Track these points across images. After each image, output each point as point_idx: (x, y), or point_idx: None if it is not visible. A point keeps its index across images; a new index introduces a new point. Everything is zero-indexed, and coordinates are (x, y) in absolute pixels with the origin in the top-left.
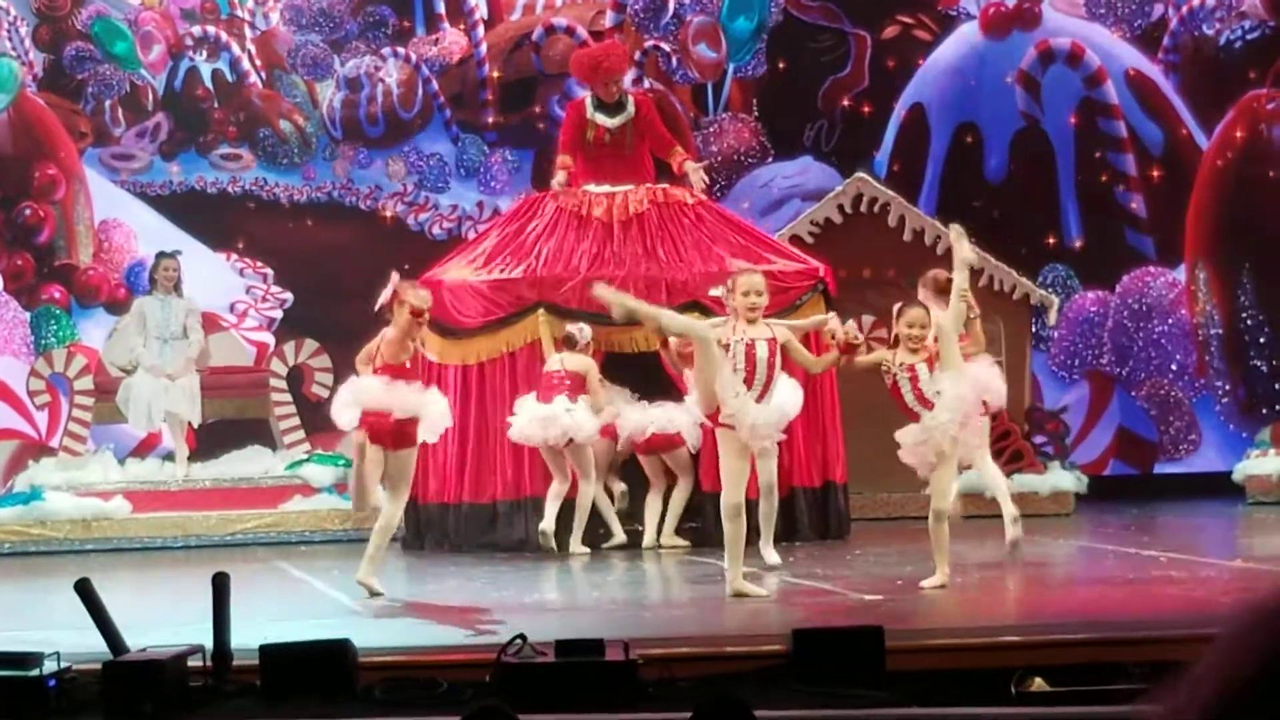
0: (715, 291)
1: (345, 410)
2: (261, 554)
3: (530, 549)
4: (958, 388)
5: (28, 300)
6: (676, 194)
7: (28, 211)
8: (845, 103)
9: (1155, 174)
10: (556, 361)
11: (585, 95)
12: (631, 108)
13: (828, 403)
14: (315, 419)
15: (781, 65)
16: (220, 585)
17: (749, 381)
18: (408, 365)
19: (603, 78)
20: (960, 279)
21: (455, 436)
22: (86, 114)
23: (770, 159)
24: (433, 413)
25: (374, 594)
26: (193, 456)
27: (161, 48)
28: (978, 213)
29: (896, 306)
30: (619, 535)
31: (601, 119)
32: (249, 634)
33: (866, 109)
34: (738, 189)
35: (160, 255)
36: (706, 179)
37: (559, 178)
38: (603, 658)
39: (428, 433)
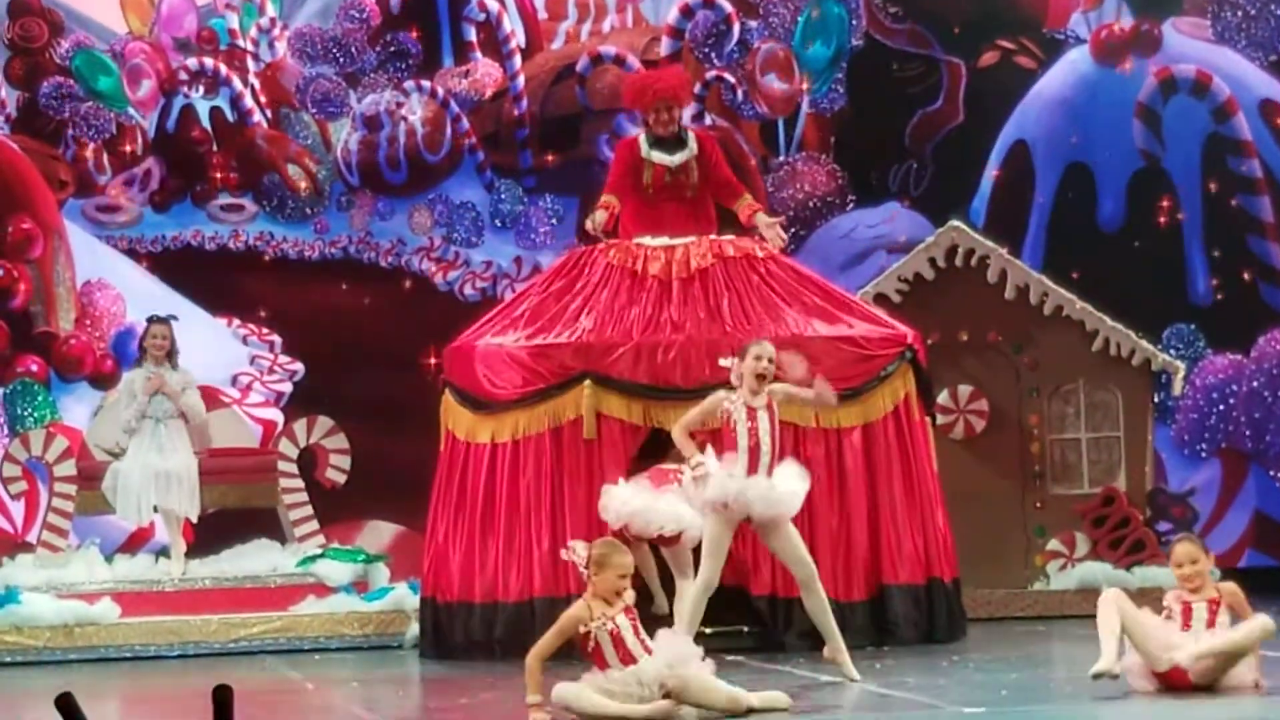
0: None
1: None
2: (270, 663)
3: (575, 655)
4: None
5: (1, 374)
6: (744, 246)
7: (0, 272)
8: (937, 140)
9: None
10: None
11: (639, 133)
12: (694, 144)
13: (928, 486)
14: (330, 508)
15: (863, 98)
16: (222, 700)
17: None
18: None
19: (653, 101)
20: None
21: (481, 524)
22: (66, 160)
23: (851, 206)
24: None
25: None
26: (190, 552)
27: (152, 83)
28: (1089, 266)
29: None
30: None
31: (660, 156)
32: None
33: (961, 147)
34: (814, 241)
35: (152, 321)
36: (785, 237)
37: (597, 217)
38: None
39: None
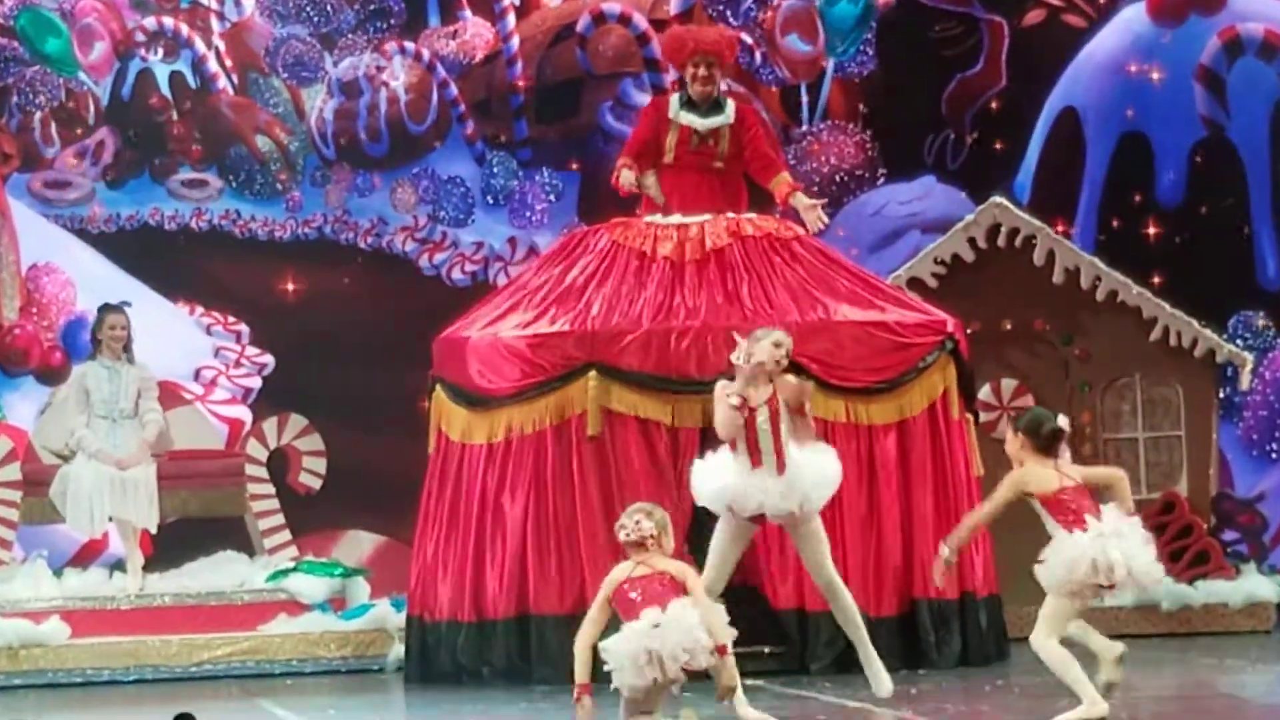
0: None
1: None
2: (237, 689)
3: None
4: None
5: None
6: (765, 225)
7: None
8: (977, 108)
9: None
10: None
11: (672, 95)
12: (731, 112)
13: (964, 493)
14: (304, 516)
15: (895, 61)
16: None
17: None
18: None
19: (692, 54)
20: None
21: (474, 533)
22: (10, 130)
23: (882, 180)
24: None
25: None
26: (148, 565)
27: (105, 45)
28: (1146, 246)
29: None
30: None
31: (689, 118)
32: None
33: (1004, 116)
34: (841, 219)
35: (105, 309)
36: (826, 220)
37: (625, 175)
38: None
39: None
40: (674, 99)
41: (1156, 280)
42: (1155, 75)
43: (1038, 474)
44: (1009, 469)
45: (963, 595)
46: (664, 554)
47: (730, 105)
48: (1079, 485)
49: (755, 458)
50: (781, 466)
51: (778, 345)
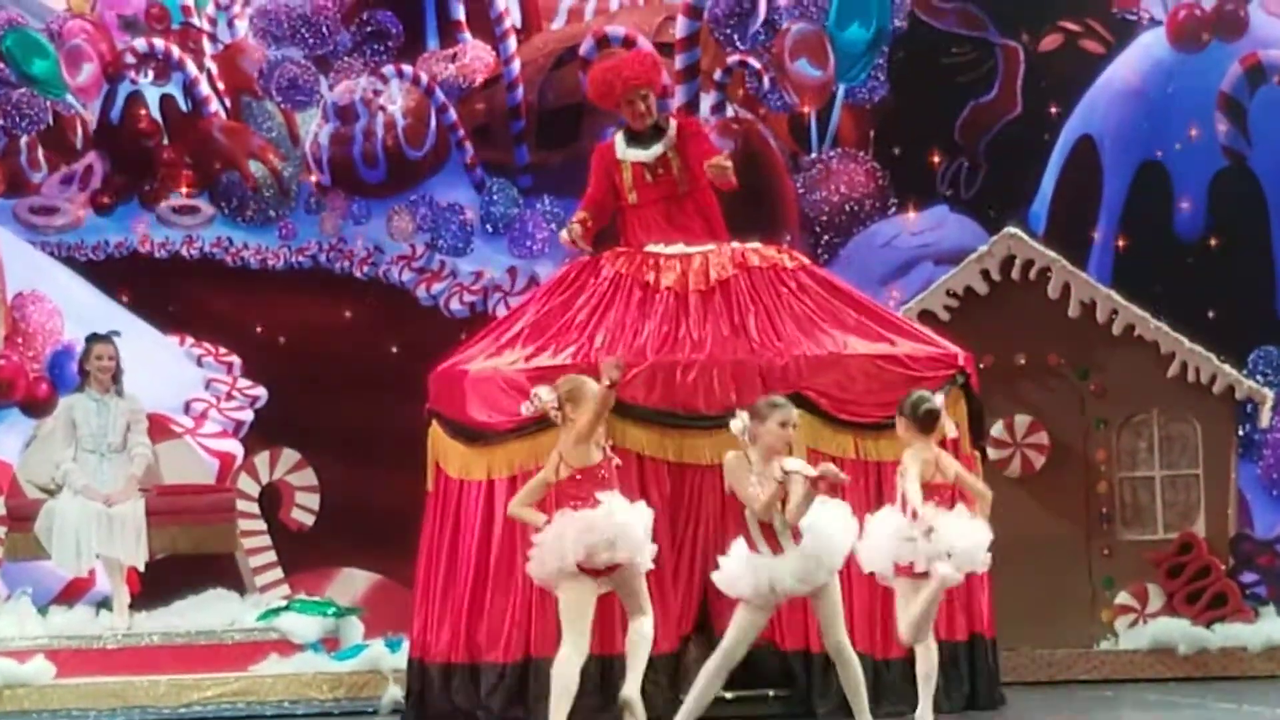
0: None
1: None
2: None
3: None
4: None
5: None
6: (770, 256)
7: None
8: (991, 136)
9: None
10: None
11: (615, 136)
12: (673, 131)
13: None
14: (297, 553)
15: (907, 87)
16: None
17: None
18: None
19: (624, 91)
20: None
21: (473, 574)
22: None
23: (893, 210)
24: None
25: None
26: (136, 604)
27: (94, 67)
28: (1164, 279)
29: None
30: None
31: (635, 154)
32: None
33: (1019, 143)
34: (850, 249)
35: (92, 339)
36: (730, 170)
37: (573, 229)
38: None
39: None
40: (618, 139)
41: (1175, 314)
42: (1175, 103)
43: (921, 455)
44: (1017, 506)
45: (972, 637)
46: (576, 426)
47: (672, 125)
48: (947, 483)
49: (776, 543)
50: (797, 535)
51: (784, 424)
